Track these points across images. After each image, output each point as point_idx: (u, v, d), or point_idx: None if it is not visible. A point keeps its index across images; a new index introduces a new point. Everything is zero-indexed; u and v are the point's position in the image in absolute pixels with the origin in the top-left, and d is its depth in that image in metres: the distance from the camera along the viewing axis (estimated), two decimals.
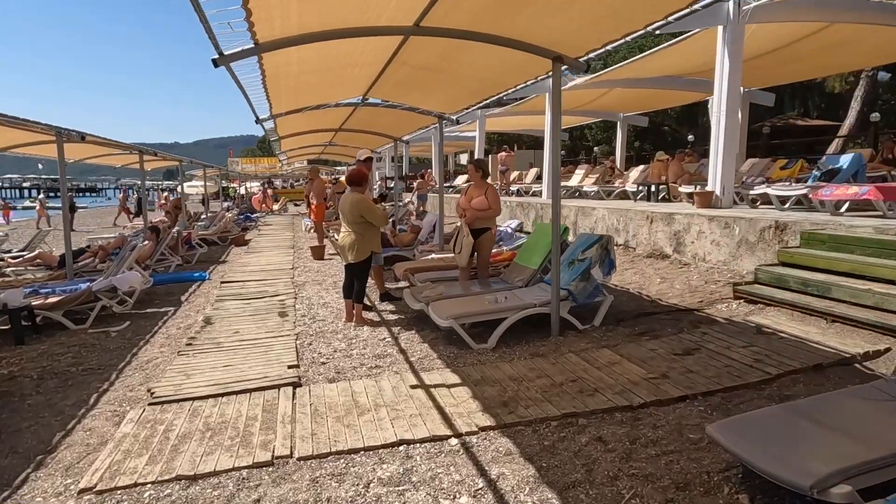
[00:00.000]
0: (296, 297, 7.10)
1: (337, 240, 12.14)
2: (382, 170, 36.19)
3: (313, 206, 11.16)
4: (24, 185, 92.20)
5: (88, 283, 6.84)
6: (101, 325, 6.23)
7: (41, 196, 23.05)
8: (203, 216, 18.42)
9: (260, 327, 5.64)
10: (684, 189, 11.26)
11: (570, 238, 6.57)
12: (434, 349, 4.88)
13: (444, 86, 7.16)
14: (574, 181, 16.18)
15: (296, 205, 33.31)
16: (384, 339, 5.25)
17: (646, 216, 8.57)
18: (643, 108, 19.95)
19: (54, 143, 7.24)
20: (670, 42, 11.22)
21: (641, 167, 14.40)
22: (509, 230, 9.43)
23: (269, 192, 29.91)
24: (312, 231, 14.83)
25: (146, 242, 9.00)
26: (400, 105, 8.31)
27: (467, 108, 8.25)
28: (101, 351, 5.27)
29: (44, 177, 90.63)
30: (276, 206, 27.98)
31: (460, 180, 25.24)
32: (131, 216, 24.83)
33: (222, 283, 8.24)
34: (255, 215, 19.49)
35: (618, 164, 18.81)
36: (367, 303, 6.23)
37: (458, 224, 6.22)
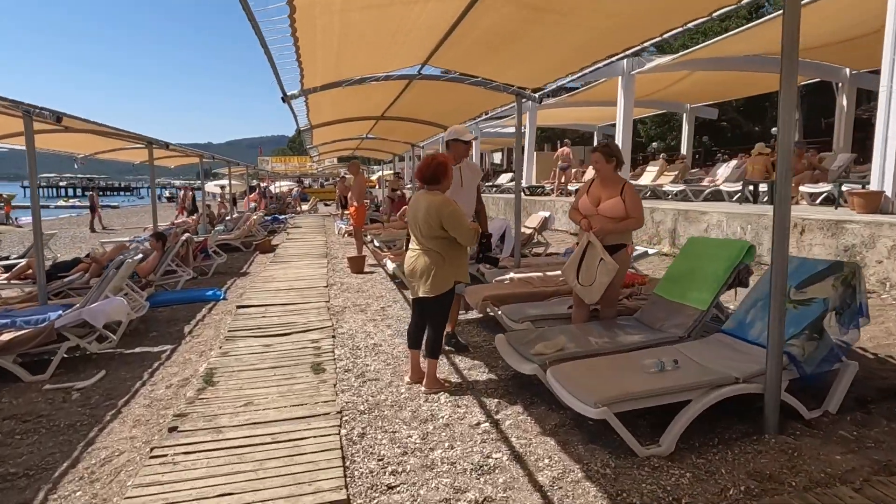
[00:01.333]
0: (334, 334, 5.20)
1: (382, 249, 10.59)
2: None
3: (352, 209, 9.30)
4: (61, 183, 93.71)
5: (61, 312, 5.10)
6: (70, 373, 4.47)
7: (91, 194, 21.99)
8: (228, 217, 16.84)
9: (284, 394, 3.75)
10: (807, 189, 9.05)
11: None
12: (570, 453, 2.91)
13: (526, 52, 5.19)
14: (646, 180, 14.02)
15: (326, 205, 31.75)
16: (478, 424, 3.29)
17: (792, 224, 6.43)
18: (714, 97, 17.64)
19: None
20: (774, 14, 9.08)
21: (733, 163, 12.17)
22: None
23: (294, 190, 28.31)
24: (347, 235, 13.04)
25: (139, 256, 7.26)
26: (467, 78, 6.37)
27: (557, 80, 6.23)
28: (45, 433, 3.45)
29: (80, 175, 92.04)
30: (305, 206, 26.42)
31: (504, 179, 23.22)
32: (185, 213, 23.57)
33: (238, 307, 6.42)
34: (283, 217, 17.80)
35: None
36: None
37: (578, 238, 4.25)
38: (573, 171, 16.36)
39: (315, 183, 38.61)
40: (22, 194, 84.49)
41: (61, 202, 60.62)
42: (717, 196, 11.20)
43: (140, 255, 7.27)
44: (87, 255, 7.44)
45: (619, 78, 12.45)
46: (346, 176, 31.75)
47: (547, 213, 9.52)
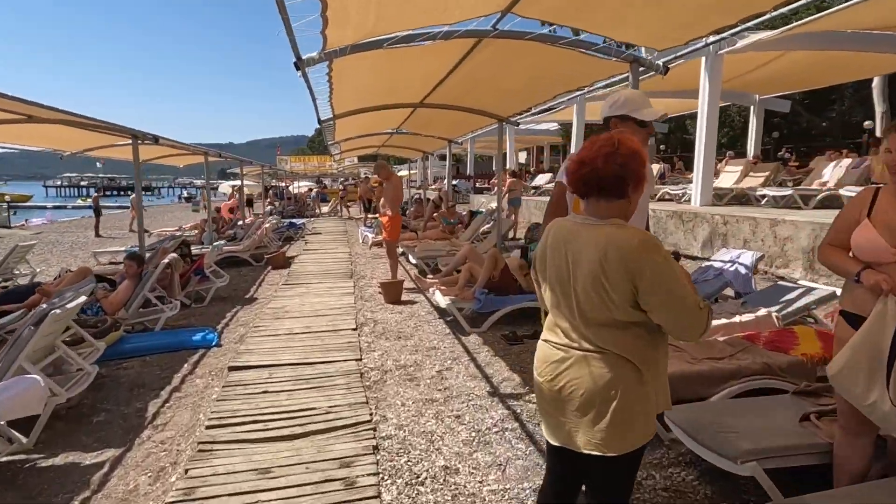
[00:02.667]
0: (375, 444, 3.20)
1: (423, 271, 8.50)
2: (436, 171, 32.34)
3: (385, 219, 7.33)
4: (82, 183, 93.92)
5: None
6: None
7: (133, 196, 20.45)
8: (240, 222, 15.04)
9: None
10: None
11: None
12: None
13: None
14: (726, 182, 11.84)
15: (346, 206, 29.89)
16: None
17: None
18: (795, 86, 15.36)
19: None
20: None
21: (847, 161, 9.95)
22: (735, 268, 5.28)
23: (313, 191, 26.49)
24: (375, 247, 11.12)
25: (102, 285, 5.40)
26: (565, 37, 4.37)
27: (689, 43, 4.20)
28: None
29: (101, 175, 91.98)
30: (325, 209, 24.63)
31: (542, 179, 21.08)
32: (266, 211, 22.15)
33: (231, 369, 4.47)
34: (300, 221, 15.93)
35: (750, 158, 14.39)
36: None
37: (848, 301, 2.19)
38: None
39: (335, 183, 36.88)
40: (44, 194, 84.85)
41: (79, 201, 59.87)
42: (830, 202, 9.02)
43: (99, 286, 5.38)
44: (38, 286, 5.56)
45: (703, 59, 10.34)
46: (370, 176, 29.94)
47: None
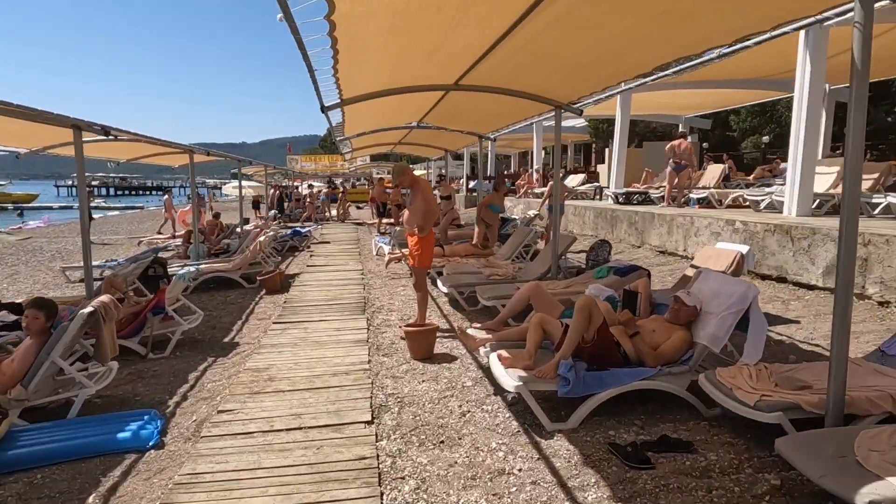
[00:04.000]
0: None
1: (466, 319, 5.63)
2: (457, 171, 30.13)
3: (414, 241, 5.36)
4: (94, 182, 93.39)
5: None
6: None
7: (166, 197, 18.85)
8: (238, 229, 13.22)
9: None
10: None
11: None
12: None
13: None
14: (821, 185, 9.76)
15: (358, 207, 28.03)
16: None
17: None
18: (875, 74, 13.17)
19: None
20: None
21: None
22: None
23: (317, 191, 24.54)
24: (392, 262, 9.21)
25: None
26: None
27: None
28: None
29: (112, 175, 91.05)
30: (334, 212, 22.77)
31: (575, 181, 18.99)
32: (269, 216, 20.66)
33: None
34: (305, 229, 14.01)
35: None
36: None
37: None
38: (689, 172, 12.16)
39: (346, 183, 35.07)
40: (55, 193, 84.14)
41: None
42: None
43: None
44: None
45: (802, 35, 8.32)
46: (383, 176, 27.98)
47: (744, 248, 5.48)
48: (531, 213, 11.27)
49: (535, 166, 21.92)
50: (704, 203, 11.04)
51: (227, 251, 10.54)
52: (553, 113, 6.91)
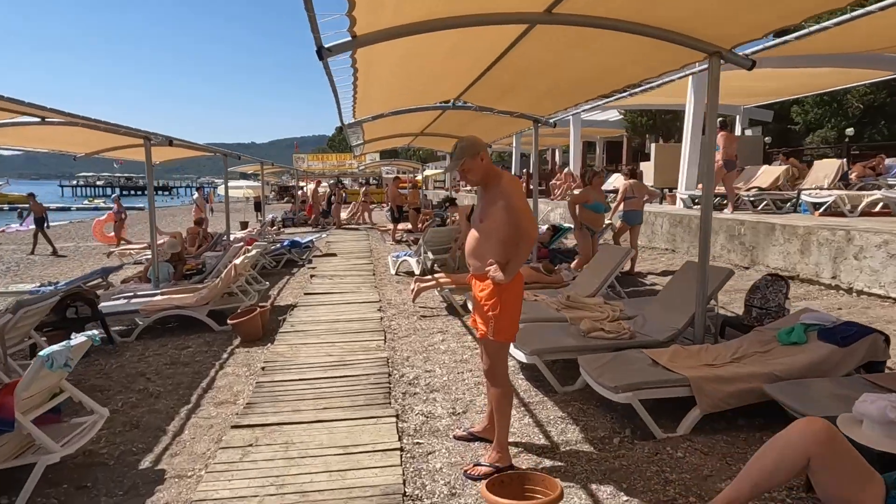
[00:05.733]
0: None
1: None
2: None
3: (487, 293, 2.75)
4: (98, 182, 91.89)
5: None
6: None
7: (196, 196, 16.74)
8: (224, 240, 10.69)
9: None
10: None
11: None
12: None
13: None
14: None
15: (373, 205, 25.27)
16: None
17: None
18: None
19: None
20: None
21: None
22: None
23: (323, 193, 21.72)
24: (423, 292, 6.64)
25: None
26: None
27: None
28: None
29: (118, 175, 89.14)
30: (344, 215, 20.18)
31: (616, 181, 16.32)
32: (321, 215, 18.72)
33: None
34: (305, 241, 11.30)
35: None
36: None
37: None
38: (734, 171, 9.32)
39: (355, 183, 32.48)
40: (59, 193, 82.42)
41: (86, 202, 56.42)
42: None
43: None
44: None
45: None
46: (399, 175, 25.30)
47: None
48: (609, 220, 8.61)
49: (569, 165, 19.31)
50: (825, 210, 8.37)
51: (202, 271, 8.01)
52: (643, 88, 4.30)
